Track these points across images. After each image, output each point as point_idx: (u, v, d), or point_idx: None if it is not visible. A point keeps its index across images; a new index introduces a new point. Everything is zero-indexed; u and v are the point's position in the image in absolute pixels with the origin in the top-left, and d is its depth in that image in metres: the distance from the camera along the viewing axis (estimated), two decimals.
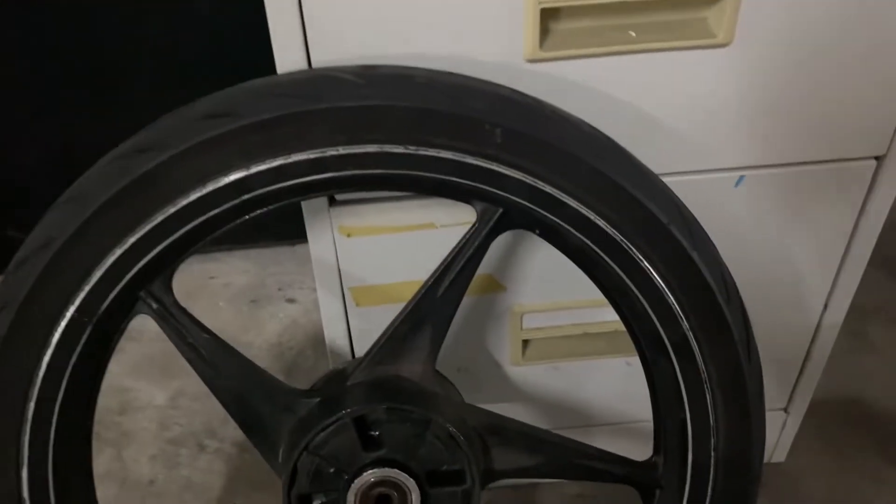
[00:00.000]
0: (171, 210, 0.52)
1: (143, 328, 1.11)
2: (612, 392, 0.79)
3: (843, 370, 0.96)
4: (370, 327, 0.71)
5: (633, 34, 0.57)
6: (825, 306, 0.73)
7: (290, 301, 1.18)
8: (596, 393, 0.79)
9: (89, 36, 1.00)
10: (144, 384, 1.05)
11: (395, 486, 0.55)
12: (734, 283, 0.57)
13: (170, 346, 1.09)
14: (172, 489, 0.91)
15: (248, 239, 1.23)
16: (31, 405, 0.53)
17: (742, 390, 0.57)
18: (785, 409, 0.83)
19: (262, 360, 1.08)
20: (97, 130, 0.84)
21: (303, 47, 0.56)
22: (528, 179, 0.53)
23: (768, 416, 0.61)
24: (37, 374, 0.52)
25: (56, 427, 0.54)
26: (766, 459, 0.80)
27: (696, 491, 0.60)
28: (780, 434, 0.85)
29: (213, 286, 1.19)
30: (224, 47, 1.01)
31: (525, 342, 0.76)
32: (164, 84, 1.02)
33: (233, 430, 0.98)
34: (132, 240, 0.52)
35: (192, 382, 1.06)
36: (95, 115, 1.06)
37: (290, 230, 1.21)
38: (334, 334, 0.73)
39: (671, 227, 0.54)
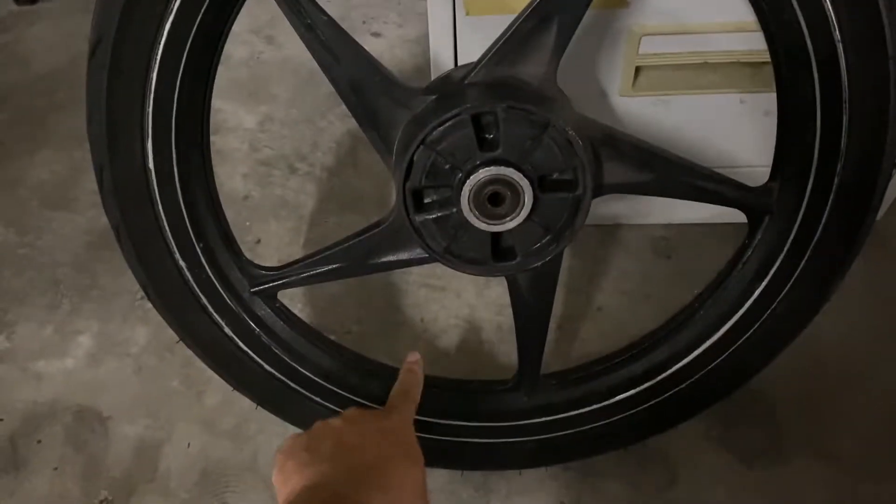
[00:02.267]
0: None
1: (229, 53, 1.11)
2: (721, 132, 0.76)
3: None
4: (477, 38, 0.68)
5: None
6: None
7: (375, 35, 1.14)
8: (704, 132, 0.76)
9: None
10: (233, 107, 1.05)
11: (509, 185, 0.55)
12: None
13: (256, 72, 1.10)
14: (266, 205, 0.94)
15: None
16: (154, 76, 0.53)
17: (882, 115, 0.54)
18: None
19: None
20: None
21: None
22: None
23: None
24: (158, 43, 0.52)
25: (177, 102, 0.54)
26: None
27: (809, 219, 0.58)
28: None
29: None
30: None
31: (637, 70, 0.72)
32: None
33: (322, 156, 1.00)
34: None
35: (280, 109, 1.06)
36: None
37: None
38: (439, 46, 0.70)
39: None
